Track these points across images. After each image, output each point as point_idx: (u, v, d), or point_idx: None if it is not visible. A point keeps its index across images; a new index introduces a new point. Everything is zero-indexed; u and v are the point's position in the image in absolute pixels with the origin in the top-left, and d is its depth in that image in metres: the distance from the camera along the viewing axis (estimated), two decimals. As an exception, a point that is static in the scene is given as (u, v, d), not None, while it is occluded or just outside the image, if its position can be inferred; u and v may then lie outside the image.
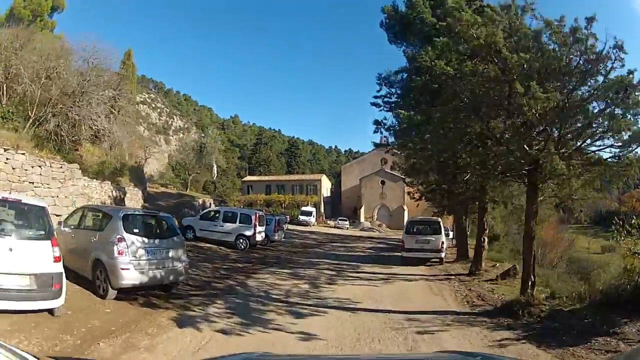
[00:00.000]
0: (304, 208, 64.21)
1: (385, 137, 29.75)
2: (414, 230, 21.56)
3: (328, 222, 68.27)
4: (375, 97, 24.42)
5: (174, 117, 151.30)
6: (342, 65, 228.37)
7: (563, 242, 39.13)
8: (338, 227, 60.54)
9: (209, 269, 16.29)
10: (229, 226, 24.60)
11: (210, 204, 42.43)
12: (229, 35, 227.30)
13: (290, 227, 51.29)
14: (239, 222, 24.64)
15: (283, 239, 31.34)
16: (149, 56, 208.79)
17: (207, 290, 12.19)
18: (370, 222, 66.60)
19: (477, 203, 20.70)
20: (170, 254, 10.81)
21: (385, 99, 22.72)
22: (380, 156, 75.89)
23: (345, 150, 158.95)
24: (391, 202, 69.87)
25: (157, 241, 10.62)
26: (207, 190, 55.92)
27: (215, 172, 53.34)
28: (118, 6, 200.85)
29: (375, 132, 25.12)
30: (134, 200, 28.55)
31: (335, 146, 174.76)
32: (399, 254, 21.81)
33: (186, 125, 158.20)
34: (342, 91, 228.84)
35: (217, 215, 25.49)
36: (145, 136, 63.76)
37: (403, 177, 37.25)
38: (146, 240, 10.30)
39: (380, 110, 24.79)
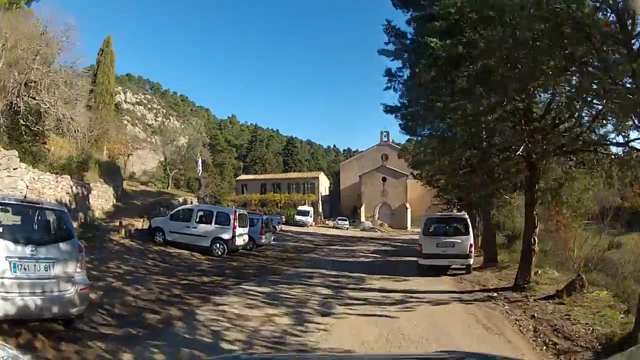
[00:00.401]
0: (300, 207, 59.71)
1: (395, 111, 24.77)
2: (434, 230, 16.90)
3: (326, 222, 63.87)
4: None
5: (170, 117, 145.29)
6: (341, 63, 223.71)
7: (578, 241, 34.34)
8: (337, 228, 56.18)
9: (159, 286, 11.68)
10: (203, 228, 20.15)
11: (191, 202, 37.78)
12: (227, 36, 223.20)
13: (285, 228, 46.97)
14: (216, 223, 20.15)
15: (273, 242, 26.94)
16: (146, 57, 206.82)
17: (128, 327, 7.58)
18: (371, 221, 61.93)
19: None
20: (54, 271, 6.44)
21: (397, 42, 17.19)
22: (381, 152, 71.57)
23: (344, 150, 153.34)
24: (393, 200, 65.19)
25: (30, 249, 6.24)
26: (191, 188, 51.00)
27: (200, 167, 48.12)
28: (114, 4, 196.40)
29: (386, 88, 19.47)
30: (103, 198, 24.40)
31: (334, 145, 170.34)
32: (411, 258, 18.17)
33: (182, 126, 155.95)
34: (341, 90, 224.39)
35: (190, 214, 20.88)
36: (128, 131, 58.95)
37: (410, 167, 32.31)
38: (12, 246, 6.09)
39: (392, 60, 19.02)
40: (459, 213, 17.15)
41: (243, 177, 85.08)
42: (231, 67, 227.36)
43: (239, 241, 20.48)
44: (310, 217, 57.53)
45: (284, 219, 53.76)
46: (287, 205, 66.77)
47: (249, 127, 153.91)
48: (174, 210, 22.03)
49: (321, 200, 71.15)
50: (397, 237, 44.39)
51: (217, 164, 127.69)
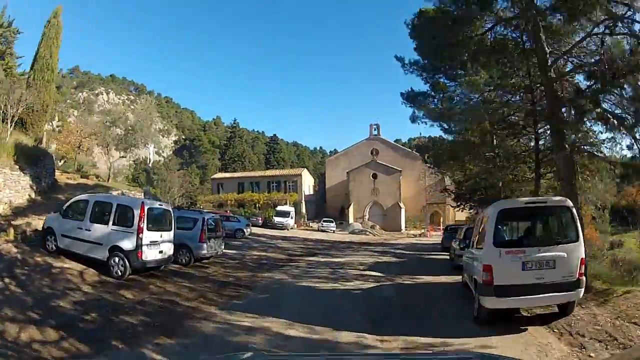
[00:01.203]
0: (279, 208, 51.39)
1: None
2: (513, 234, 8.79)
3: (311, 224, 55.66)
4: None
5: (154, 118, 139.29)
6: (328, 64, 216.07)
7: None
8: (322, 230, 48.39)
9: None
10: (99, 230, 12.34)
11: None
12: (213, 37, 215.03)
13: (260, 231, 38.72)
14: (114, 222, 12.29)
15: (230, 252, 19.24)
16: (131, 58, 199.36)
17: None
18: (361, 223, 53.89)
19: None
20: None
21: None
22: (371, 146, 63.53)
23: (331, 151, 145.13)
24: (385, 199, 57.12)
25: None
26: (138, 181, 42.21)
27: (152, 156, 39.15)
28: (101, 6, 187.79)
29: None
30: (12, 189, 17.50)
31: (320, 147, 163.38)
32: (432, 278, 12.99)
33: (166, 127, 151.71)
34: (327, 91, 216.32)
35: (84, 209, 12.93)
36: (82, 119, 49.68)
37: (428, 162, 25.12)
38: None
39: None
40: (557, 199, 8.51)
41: (219, 175, 76.75)
42: (216, 68, 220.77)
43: (151, 254, 12.28)
44: (291, 218, 49.27)
45: (260, 221, 46.87)
46: (266, 206, 58.64)
47: (233, 128, 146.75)
48: (67, 204, 13.69)
49: (304, 200, 62.91)
50: (393, 242, 36.26)
51: (200, 166, 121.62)
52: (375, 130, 65.18)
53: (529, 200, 8.52)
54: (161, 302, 10.16)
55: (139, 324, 7.97)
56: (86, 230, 12.32)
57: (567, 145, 12.47)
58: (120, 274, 11.71)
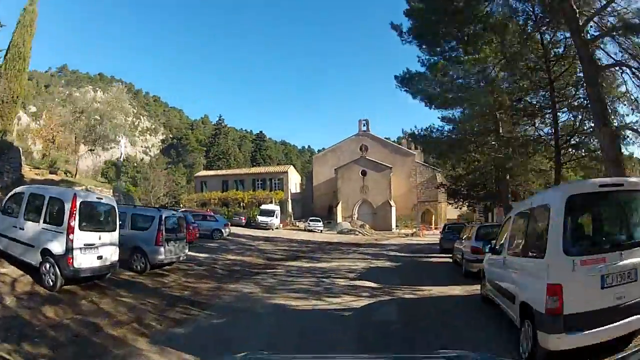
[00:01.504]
0: (264, 206, 48.45)
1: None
2: (583, 233, 5.79)
3: (297, 223, 52.68)
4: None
5: (141, 117, 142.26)
6: (315, 63, 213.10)
7: None
8: (309, 230, 45.58)
9: None
10: (30, 229, 10.02)
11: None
12: (201, 36, 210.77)
13: (242, 231, 35.94)
14: (44, 220, 9.84)
15: (202, 257, 17.42)
16: (120, 57, 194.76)
17: None
18: (350, 222, 51.08)
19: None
20: None
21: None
22: (360, 142, 60.79)
23: (319, 150, 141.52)
24: (375, 197, 54.39)
25: None
26: (107, 177, 38.99)
27: (123, 149, 35.89)
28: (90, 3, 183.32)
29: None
30: None
31: (309, 146, 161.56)
32: (444, 290, 10.52)
33: (154, 126, 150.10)
34: (315, 90, 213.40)
35: (19, 203, 10.51)
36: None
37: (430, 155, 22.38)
38: None
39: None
40: (634, 180, 5.62)
41: (202, 173, 73.27)
42: (204, 67, 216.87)
43: (86, 260, 9.54)
44: (276, 217, 46.30)
45: (243, 220, 44.18)
46: (251, 205, 55.57)
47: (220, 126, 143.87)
48: (6, 198, 10.94)
49: (291, 199, 60.00)
50: (385, 242, 33.48)
51: (187, 165, 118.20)
52: (364, 126, 62.44)
53: (602, 182, 5.59)
54: (82, 326, 7.35)
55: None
56: (20, 229, 9.91)
57: (611, 119, 9.90)
58: (51, 283, 9.08)
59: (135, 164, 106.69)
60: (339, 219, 53.21)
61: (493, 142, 20.03)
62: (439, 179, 58.50)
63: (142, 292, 10.48)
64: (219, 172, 71.69)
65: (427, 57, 20.87)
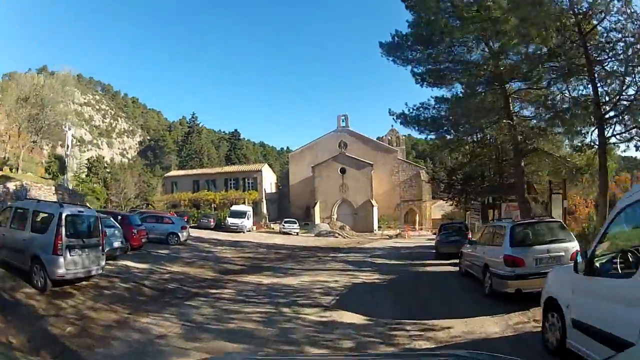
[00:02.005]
0: (234, 207, 43.83)
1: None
2: None
3: (272, 225, 48.13)
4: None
5: (119, 119, 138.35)
6: (297, 61, 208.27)
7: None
8: (284, 233, 40.83)
9: None
10: None
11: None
12: (181, 38, 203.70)
13: (207, 234, 31.48)
14: None
15: (138, 267, 14.16)
16: (99, 58, 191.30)
17: None
18: (328, 223, 46.68)
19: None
20: None
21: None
22: (338, 139, 56.47)
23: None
24: (355, 196, 50.10)
25: None
26: (50, 172, 33.88)
27: (69, 141, 30.73)
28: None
29: None
30: None
31: (287, 147, 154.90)
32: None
33: (131, 128, 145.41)
34: (294, 90, 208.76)
35: None
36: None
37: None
38: None
39: None
40: None
41: (172, 173, 68.45)
42: (182, 68, 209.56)
43: None
44: (248, 219, 41.65)
45: (212, 223, 39.86)
46: (223, 206, 51.10)
47: (199, 128, 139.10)
48: None
49: (265, 199, 55.39)
50: (368, 246, 29.06)
51: (165, 167, 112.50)
52: (343, 121, 58.21)
53: None
54: None
55: None
56: None
57: None
58: None
59: (105, 165, 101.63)
60: (317, 220, 48.82)
61: (506, 121, 15.88)
62: (423, 176, 54.84)
63: (13, 324, 6.13)
64: (190, 171, 66.95)
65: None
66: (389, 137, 62.90)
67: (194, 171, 66.33)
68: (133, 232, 17.90)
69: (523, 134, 16.66)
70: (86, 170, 68.55)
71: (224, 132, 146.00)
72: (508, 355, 2.54)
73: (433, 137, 19.89)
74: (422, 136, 18.25)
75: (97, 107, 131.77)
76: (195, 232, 29.88)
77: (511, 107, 16.74)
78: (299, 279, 12.67)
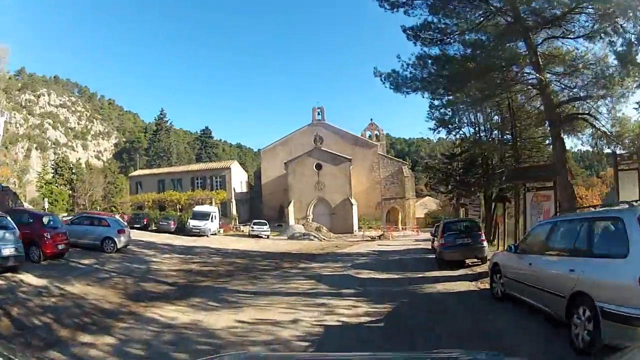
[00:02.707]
0: (197, 208, 38.70)
1: None
2: None
3: (242, 227, 42.85)
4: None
5: (95, 121, 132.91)
6: (274, 62, 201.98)
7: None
8: (254, 236, 35.64)
9: None
10: None
11: None
12: (157, 40, 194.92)
13: (161, 239, 26.93)
14: None
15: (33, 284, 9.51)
16: (75, 60, 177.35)
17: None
18: (304, 224, 41.61)
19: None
20: None
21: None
22: (314, 132, 51.47)
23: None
24: (332, 195, 45.13)
25: None
26: None
27: (1, 130, 24.49)
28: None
29: None
30: None
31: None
32: None
33: (107, 130, 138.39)
34: (273, 91, 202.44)
35: None
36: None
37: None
38: None
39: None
40: None
41: (137, 172, 62.57)
42: (158, 70, 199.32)
43: None
44: (213, 221, 36.46)
45: (172, 225, 35.30)
46: (189, 206, 45.52)
47: (175, 130, 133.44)
48: None
49: (235, 199, 50.16)
50: (348, 251, 23.95)
51: (140, 169, 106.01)
52: (319, 114, 53.30)
53: None
54: None
55: None
56: None
57: None
58: None
59: (71, 166, 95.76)
60: (291, 221, 43.71)
61: (537, 76, 11.12)
62: (405, 172, 50.29)
63: None
64: (155, 170, 61.59)
65: None
66: (369, 132, 58.13)
67: (159, 170, 60.75)
68: (45, 237, 13.49)
69: (557, 96, 12.00)
70: (52, 171, 63.56)
71: (198, 132, 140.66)
72: None
73: (431, 99, 15.09)
74: (419, 96, 13.11)
75: (73, 109, 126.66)
76: (150, 237, 25.90)
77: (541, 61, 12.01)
78: (235, 317, 7.45)
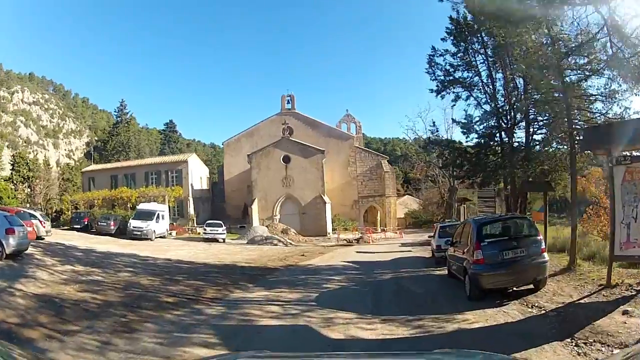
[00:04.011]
0: (141, 206, 32.11)
1: None
2: None
3: (199, 229, 35.83)
4: None
5: (67, 119, 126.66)
6: (244, 59, 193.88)
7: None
8: (208, 239, 29.26)
9: None
10: None
11: None
12: (132, 35, 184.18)
13: (82, 242, 21.94)
14: None
15: None
16: (51, 57, 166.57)
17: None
18: (268, 226, 34.90)
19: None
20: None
21: None
22: (282, 122, 44.77)
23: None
24: (302, 191, 38.44)
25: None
26: None
27: None
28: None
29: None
30: None
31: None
32: None
33: (79, 129, 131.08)
34: (243, 86, 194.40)
35: None
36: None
37: None
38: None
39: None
40: None
41: (89, 168, 55.64)
42: (133, 67, 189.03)
43: None
44: (159, 221, 29.68)
45: (112, 226, 29.01)
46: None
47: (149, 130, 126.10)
48: None
49: (193, 197, 43.08)
50: (315, 263, 17.06)
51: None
52: (288, 103, 46.52)
53: None
54: None
55: None
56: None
57: None
58: None
59: (27, 162, 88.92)
60: (255, 222, 36.89)
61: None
62: (385, 167, 44.09)
63: None
64: (107, 165, 54.03)
65: None
66: (344, 124, 51.71)
67: (112, 165, 53.29)
68: None
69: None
70: (10, 167, 59.07)
71: (174, 131, 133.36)
72: None
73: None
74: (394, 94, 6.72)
75: (46, 106, 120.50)
76: (79, 239, 21.26)
77: None
78: None
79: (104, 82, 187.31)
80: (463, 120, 14.39)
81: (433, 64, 15.26)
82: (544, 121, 13.47)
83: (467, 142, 15.51)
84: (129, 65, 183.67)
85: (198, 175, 46.15)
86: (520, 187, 13.09)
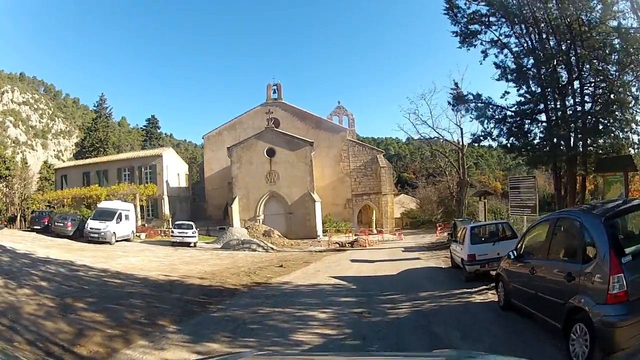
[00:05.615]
0: (103, 204, 27.84)
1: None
2: None
3: (174, 231, 30.88)
4: None
5: (57, 119, 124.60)
6: (233, 53, 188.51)
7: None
8: (176, 244, 24.76)
9: None
10: None
11: None
12: (122, 36, 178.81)
13: (35, 246, 14.95)
14: None
15: None
16: (42, 57, 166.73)
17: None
18: (249, 228, 30.24)
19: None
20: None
21: None
22: (265, 112, 40.03)
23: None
24: (289, 189, 33.79)
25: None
26: None
27: None
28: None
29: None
30: None
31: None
32: None
33: (68, 129, 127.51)
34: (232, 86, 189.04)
35: None
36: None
37: None
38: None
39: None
40: None
41: (62, 165, 52.89)
42: (122, 68, 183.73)
43: None
44: (122, 222, 25.27)
45: (69, 227, 25.03)
46: (110, 204, 33.45)
47: (138, 130, 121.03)
48: None
49: (168, 195, 38.31)
50: (295, 282, 12.26)
51: None
52: (275, 92, 41.97)
53: None
54: None
55: None
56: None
57: None
58: None
59: (5, 161, 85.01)
60: (236, 223, 32.20)
61: None
62: (381, 162, 39.58)
63: None
64: (79, 162, 49.38)
65: None
66: (335, 117, 47.16)
67: (84, 161, 48.34)
68: None
69: None
70: None
71: (165, 134, 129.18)
72: None
73: None
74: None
75: (36, 106, 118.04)
76: (20, 242, 17.71)
77: None
78: None
79: (94, 81, 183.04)
80: (512, 66, 9.98)
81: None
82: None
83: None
84: (112, 63, 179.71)
85: (175, 171, 41.38)
86: (597, 166, 8.72)
